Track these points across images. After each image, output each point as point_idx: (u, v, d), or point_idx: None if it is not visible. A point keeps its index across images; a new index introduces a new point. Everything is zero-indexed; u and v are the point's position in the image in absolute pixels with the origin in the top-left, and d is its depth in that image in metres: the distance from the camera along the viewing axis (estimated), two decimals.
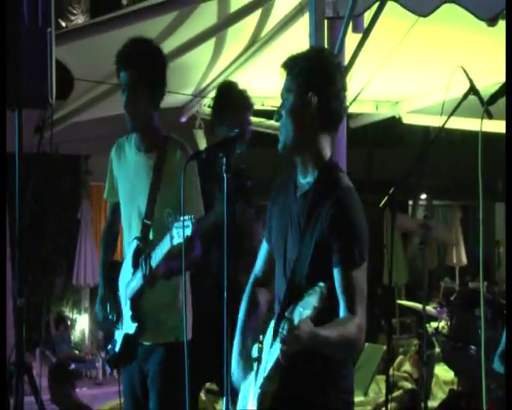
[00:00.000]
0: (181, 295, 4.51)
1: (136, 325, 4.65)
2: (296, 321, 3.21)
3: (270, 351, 3.51)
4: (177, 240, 4.20)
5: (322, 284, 3.22)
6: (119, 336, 4.78)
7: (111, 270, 4.95)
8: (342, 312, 3.45)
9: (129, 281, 4.72)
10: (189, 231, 4.11)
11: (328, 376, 3.52)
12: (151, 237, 4.67)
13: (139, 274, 4.62)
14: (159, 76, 4.77)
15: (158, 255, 4.50)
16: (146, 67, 4.70)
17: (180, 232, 4.15)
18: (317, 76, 3.55)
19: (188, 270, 4.59)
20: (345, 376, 3.61)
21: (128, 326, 4.69)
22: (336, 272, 3.45)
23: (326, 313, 3.28)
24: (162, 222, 4.60)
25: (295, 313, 3.24)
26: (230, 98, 5.18)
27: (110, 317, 4.87)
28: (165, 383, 4.62)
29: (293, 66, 3.57)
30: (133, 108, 4.73)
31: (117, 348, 4.80)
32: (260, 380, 3.52)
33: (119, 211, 4.99)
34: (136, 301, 4.66)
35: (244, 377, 3.76)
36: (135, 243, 4.70)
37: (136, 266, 4.65)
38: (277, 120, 3.61)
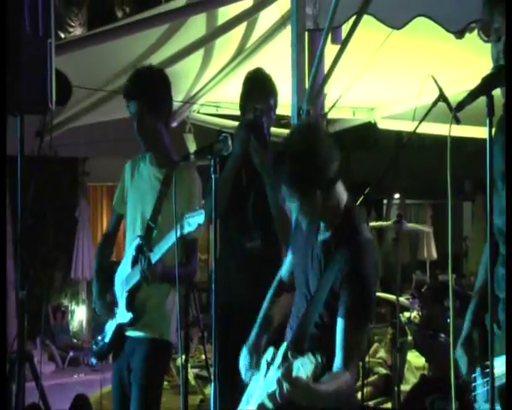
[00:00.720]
0: (170, 299, 4.60)
1: (130, 314, 4.67)
2: (294, 372, 3.29)
3: (275, 372, 3.56)
4: (188, 229, 4.19)
5: (319, 360, 3.29)
6: (110, 327, 4.81)
7: (108, 268, 4.97)
8: (337, 363, 3.44)
9: (128, 275, 4.74)
10: (201, 220, 4.13)
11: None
12: (154, 236, 4.69)
13: (138, 269, 4.63)
14: (163, 101, 4.80)
15: (161, 249, 4.50)
16: (150, 97, 4.72)
17: (191, 221, 4.16)
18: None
19: (181, 280, 4.50)
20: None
21: (122, 316, 4.72)
22: (340, 323, 3.45)
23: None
24: (165, 228, 4.58)
25: (294, 365, 3.33)
26: (256, 81, 5.00)
27: (104, 311, 4.88)
28: (145, 377, 4.64)
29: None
30: (143, 133, 4.77)
31: (107, 339, 4.84)
32: (264, 392, 3.54)
33: (120, 223, 5.06)
34: (133, 293, 4.69)
35: (249, 371, 3.82)
36: (137, 241, 4.72)
37: (136, 262, 4.66)
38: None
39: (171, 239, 4.38)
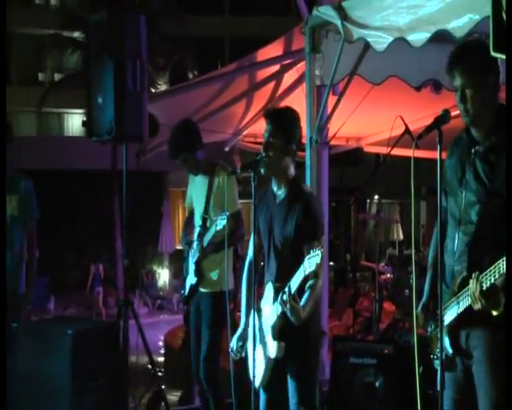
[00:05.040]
0: (224, 264, 4.51)
1: (196, 278, 4.68)
2: (293, 288, 3.18)
3: (273, 303, 3.41)
4: (218, 227, 4.27)
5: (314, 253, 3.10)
6: (187, 285, 4.81)
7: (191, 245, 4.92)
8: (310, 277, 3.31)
9: (194, 251, 4.75)
10: (224, 222, 4.16)
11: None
12: (208, 225, 4.66)
13: (198, 249, 4.67)
14: (196, 144, 4.71)
15: (207, 238, 4.57)
16: (187, 148, 4.67)
17: (220, 222, 4.24)
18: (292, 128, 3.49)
19: (232, 245, 4.63)
20: (316, 311, 3.49)
21: (192, 279, 4.72)
22: (305, 246, 3.31)
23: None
24: (213, 217, 4.58)
25: (293, 279, 3.20)
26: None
27: (185, 273, 4.89)
28: (211, 317, 4.60)
29: (276, 117, 3.50)
30: (185, 164, 4.75)
31: (186, 292, 4.85)
32: (272, 320, 3.42)
33: (192, 214, 4.99)
34: (197, 264, 4.67)
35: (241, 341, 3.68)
36: (198, 229, 4.73)
37: (198, 239, 4.69)
38: (264, 155, 3.44)
39: (212, 232, 4.47)
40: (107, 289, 16.76)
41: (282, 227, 3.46)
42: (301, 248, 3.32)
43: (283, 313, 3.33)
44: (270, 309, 3.44)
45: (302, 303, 3.28)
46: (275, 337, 3.40)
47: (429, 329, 2.99)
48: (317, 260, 3.05)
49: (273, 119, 3.48)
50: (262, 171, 3.46)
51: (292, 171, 3.53)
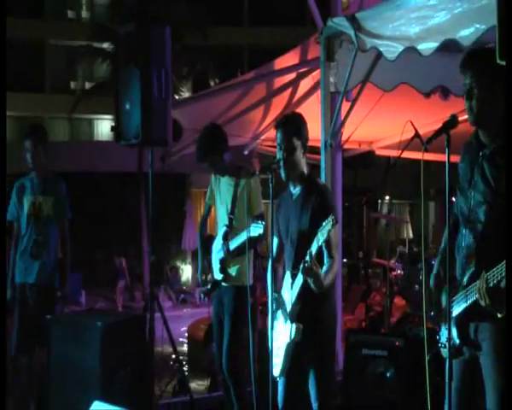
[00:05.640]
0: (245, 262, 4.40)
1: (221, 275, 4.62)
2: (314, 251, 3.21)
3: (292, 288, 3.45)
4: (252, 234, 4.14)
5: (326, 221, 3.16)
6: (210, 279, 4.75)
7: (208, 240, 4.89)
8: (326, 258, 3.40)
9: (219, 250, 4.68)
10: (261, 231, 4.12)
11: (324, 296, 3.43)
12: (234, 225, 4.61)
13: (223, 249, 4.62)
14: (223, 147, 4.67)
15: (236, 242, 4.49)
16: (215, 151, 4.63)
17: (255, 229, 4.14)
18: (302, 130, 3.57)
19: (255, 245, 4.55)
20: (332, 296, 3.57)
21: (217, 275, 4.67)
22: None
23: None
24: (239, 217, 4.54)
25: (312, 246, 3.23)
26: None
27: (205, 270, 4.82)
28: (233, 310, 4.57)
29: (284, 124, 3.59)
30: (213, 167, 4.71)
31: (209, 287, 4.81)
32: (289, 306, 3.46)
33: (210, 210, 4.96)
34: (222, 262, 4.63)
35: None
36: (224, 229, 4.66)
37: (225, 239, 4.62)
38: (280, 158, 3.52)
39: (242, 237, 4.36)
40: (134, 284, 16.88)
41: (298, 220, 3.51)
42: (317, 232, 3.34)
43: (300, 296, 3.37)
44: (289, 295, 3.49)
45: (322, 273, 3.32)
46: (292, 320, 3.43)
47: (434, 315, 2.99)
48: (329, 226, 3.12)
49: (282, 126, 3.59)
50: (280, 173, 3.51)
51: (305, 169, 3.60)
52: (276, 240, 3.74)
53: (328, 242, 3.26)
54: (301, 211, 3.51)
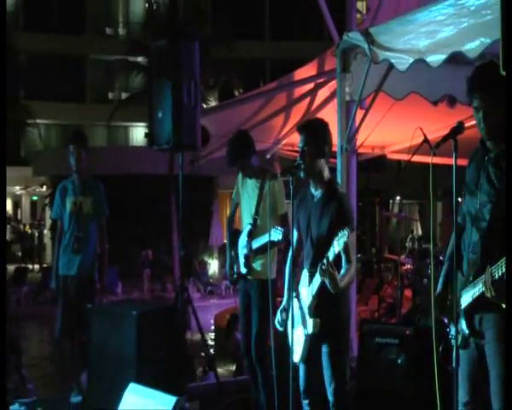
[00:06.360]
0: (269, 256, 4.39)
1: (246, 269, 4.57)
2: (331, 257, 3.19)
3: (309, 285, 3.42)
4: (273, 238, 4.09)
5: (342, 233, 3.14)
6: (235, 271, 4.72)
7: (234, 234, 4.81)
8: (344, 262, 3.36)
9: (243, 246, 4.62)
10: (280, 237, 4.07)
11: (340, 294, 3.40)
12: (258, 224, 4.54)
13: (247, 247, 4.54)
14: (250, 152, 4.60)
15: (258, 242, 4.45)
16: (243, 155, 4.55)
17: (274, 234, 4.08)
18: (322, 135, 3.50)
19: (271, 248, 4.45)
20: (347, 294, 3.55)
21: (242, 268, 4.60)
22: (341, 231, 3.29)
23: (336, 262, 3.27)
24: (263, 217, 4.47)
25: (329, 252, 3.21)
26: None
27: (233, 261, 4.77)
28: (258, 301, 4.51)
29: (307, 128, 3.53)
30: (242, 170, 4.64)
31: (235, 277, 4.74)
32: (308, 300, 3.45)
33: (236, 208, 4.88)
34: (246, 257, 4.57)
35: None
36: (249, 227, 4.59)
37: (249, 237, 4.55)
38: (301, 161, 3.46)
39: (264, 239, 4.32)
40: (165, 277, 16.99)
41: (318, 224, 3.48)
42: (334, 240, 3.31)
43: (318, 293, 3.36)
44: (307, 291, 3.47)
45: (339, 276, 3.30)
46: (311, 315, 3.43)
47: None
48: (345, 238, 3.10)
49: (304, 130, 3.52)
50: (300, 175, 3.47)
51: (326, 173, 3.54)
52: (295, 233, 3.70)
53: (345, 247, 3.23)
54: (321, 216, 3.46)
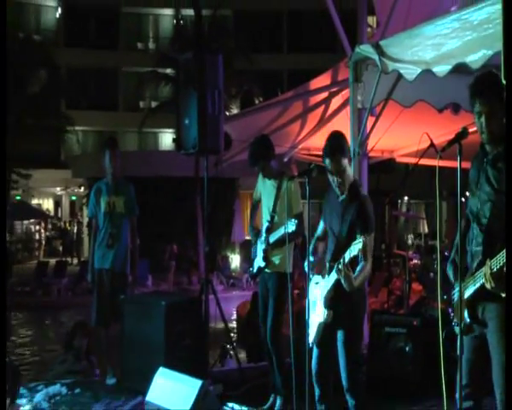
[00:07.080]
0: (286, 250, 4.33)
1: (264, 262, 4.53)
2: (346, 259, 3.18)
3: (328, 277, 3.42)
4: (288, 229, 4.05)
5: (358, 240, 3.12)
6: (255, 265, 4.67)
7: (257, 232, 4.74)
8: (360, 259, 3.33)
9: (262, 241, 4.58)
10: (293, 228, 4.04)
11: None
12: (275, 221, 4.49)
13: (265, 241, 4.52)
14: (270, 154, 4.54)
15: (275, 236, 4.42)
16: (264, 157, 4.48)
17: (289, 226, 4.05)
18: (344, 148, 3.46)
19: (294, 240, 4.43)
20: (362, 289, 3.49)
21: (260, 262, 4.58)
22: (358, 237, 3.27)
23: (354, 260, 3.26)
24: (280, 214, 4.43)
25: (345, 254, 3.20)
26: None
27: (252, 255, 4.74)
28: (276, 293, 4.42)
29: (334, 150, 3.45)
30: (262, 170, 4.56)
31: (254, 271, 4.70)
32: (324, 293, 3.44)
33: (257, 206, 4.83)
34: (265, 251, 4.52)
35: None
36: (266, 224, 4.57)
37: (267, 232, 4.52)
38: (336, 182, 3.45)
39: (280, 232, 4.31)
40: (191, 271, 17.05)
41: (339, 224, 3.48)
42: (354, 239, 3.29)
43: (335, 286, 3.35)
44: (324, 282, 3.47)
45: (354, 275, 3.29)
46: (326, 306, 3.42)
47: (454, 297, 2.96)
48: (359, 246, 3.10)
49: (330, 155, 3.42)
50: (336, 191, 3.47)
51: (351, 176, 3.52)
52: (322, 224, 3.71)
53: (363, 246, 3.18)
54: (342, 217, 3.45)
